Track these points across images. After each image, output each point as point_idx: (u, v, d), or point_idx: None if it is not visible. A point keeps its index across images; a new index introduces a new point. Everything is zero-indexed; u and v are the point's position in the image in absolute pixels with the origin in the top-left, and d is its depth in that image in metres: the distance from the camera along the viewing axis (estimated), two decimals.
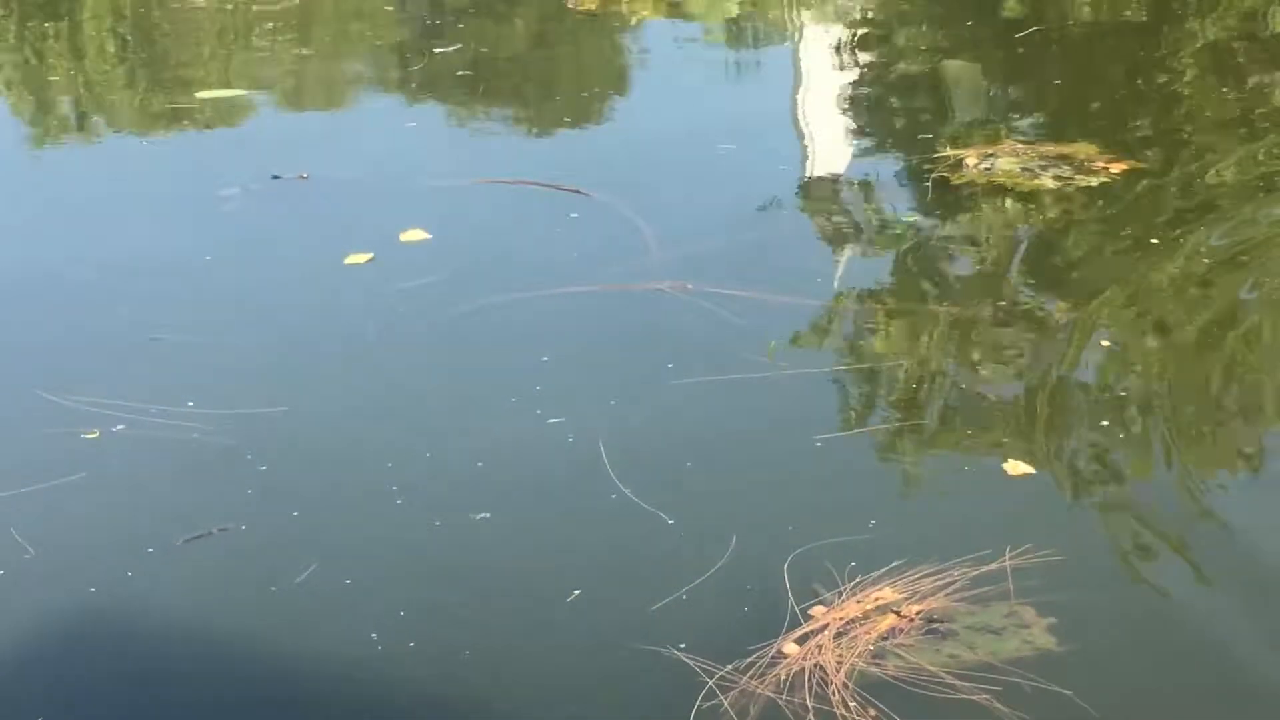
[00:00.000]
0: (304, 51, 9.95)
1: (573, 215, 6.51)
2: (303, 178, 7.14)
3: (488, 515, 4.34)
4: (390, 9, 10.86)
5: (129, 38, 10.33)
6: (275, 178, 7.15)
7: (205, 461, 4.67)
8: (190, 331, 5.54)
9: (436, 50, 9.44)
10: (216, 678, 3.78)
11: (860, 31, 9.76)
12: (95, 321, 5.77)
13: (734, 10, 10.48)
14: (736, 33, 10.15)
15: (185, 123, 8.42)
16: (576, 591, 3.97)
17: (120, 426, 4.82)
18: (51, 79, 9.58)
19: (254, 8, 10.93)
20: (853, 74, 8.80)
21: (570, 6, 10.29)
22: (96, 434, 4.80)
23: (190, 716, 3.68)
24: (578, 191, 6.76)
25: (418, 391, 5.13)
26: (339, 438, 4.85)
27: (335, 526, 4.36)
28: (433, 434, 4.81)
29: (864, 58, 9.20)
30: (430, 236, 6.32)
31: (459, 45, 9.57)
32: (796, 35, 9.84)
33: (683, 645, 3.74)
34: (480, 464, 4.62)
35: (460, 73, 9.09)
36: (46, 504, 4.46)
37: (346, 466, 4.68)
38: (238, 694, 3.73)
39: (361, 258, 6.12)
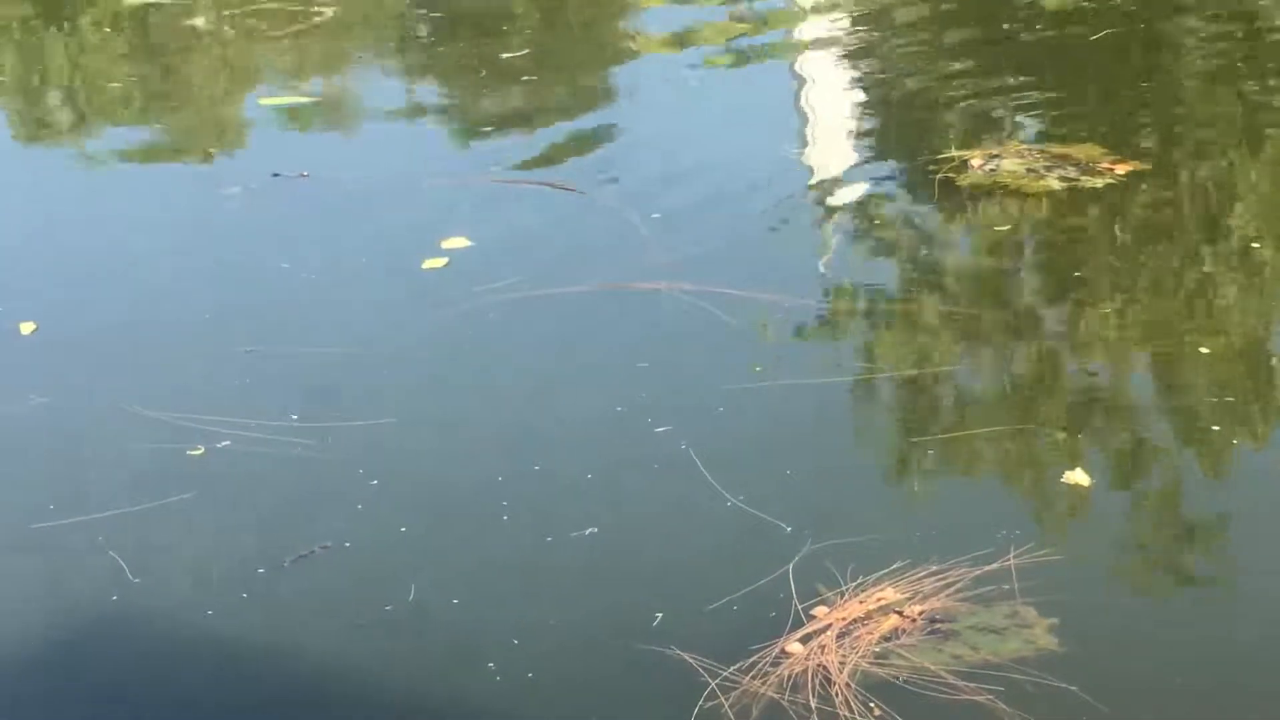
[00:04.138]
0: (360, 55, 9.80)
1: (653, 221, 6.35)
2: (303, 176, 7.08)
3: (595, 530, 4.22)
4: (438, 14, 10.74)
5: (153, 53, 10.25)
6: (275, 175, 7.10)
7: (315, 477, 4.56)
8: (284, 342, 5.43)
9: (503, 56, 9.33)
10: (335, 706, 3.69)
11: (863, 29, 9.69)
12: (183, 333, 5.60)
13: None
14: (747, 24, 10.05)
15: (248, 130, 8.34)
16: (659, 615, 3.86)
17: (225, 443, 4.72)
18: (111, 86, 9.50)
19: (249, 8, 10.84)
20: (857, 75, 8.73)
21: None
22: (202, 450, 4.69)
23: None
24: (575, 190, 6.70)
25: (522, 401, 4.97)
26: (445, 450, 4.73)
27: (443, 543, 4.25)
28: (540, 444, 4.68)
29: (869, 57, 9.12)
30: (471, 243, 6.18)
31: (526, 50, 9.46)
32: (801, 38, 9.75)
33: (686, 646, 3.69)
34: (589, 476, 4.50)
35: (526, 78, 8.98)
36: (159, 523, 4.37)
37: (454, 480, 4.56)
38: None
39: (438, 262, 6.01)
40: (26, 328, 5.62)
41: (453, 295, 5.72)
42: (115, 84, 9.56)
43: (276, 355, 5.35)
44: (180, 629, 3.94)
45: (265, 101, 8.74)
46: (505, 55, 9.36)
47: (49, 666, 3.86)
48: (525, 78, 8.97)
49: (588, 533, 4.20)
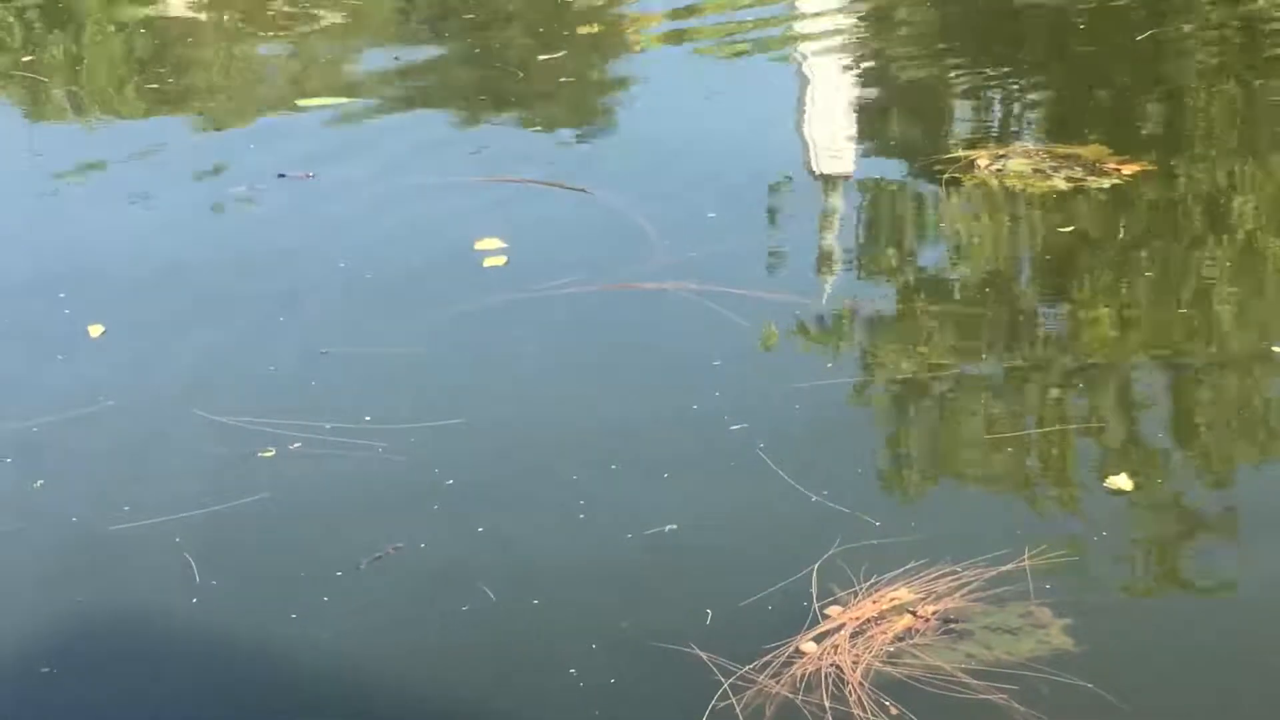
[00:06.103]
0: (396, 56, 9.76)
1: (700, 220, 6.31)
2: (308, 176, 7.07)
3: (675, 527, 4.19)
4: (470, 16, 10.66)
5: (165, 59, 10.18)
6: (281, 176, 7.08)
7: (389, 478, 4.49)
8: (352, 342, 5.37)
9: (541, 57, 9.30)
10: (413, 707, 3.65)
11: (863, 30, 9.64)
12: (249, 333, 5.55)
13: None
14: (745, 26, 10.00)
15: (256, 130, 8.30)
16: (710, 613, 3.85)
17: (297, 444, 4.67)
18: (152, 88, 9.46)
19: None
20: (861, 72, 8.69)
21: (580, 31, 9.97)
22: (273, 452, 4.65)
23: None
24: (583, 190, 6.69)
25: (594, 399, 4.90)
26: (520, 449, 4.64)
27: (521, 542, 4.19)
28: (615, 442, 4.61)
29: (869, 57, 9.06)
30: (506, 245, 6.11)
31: (565, 52, 9.40)
32: (801, 38, 9.68)
33: (701, 644, 3.70)
34: (666, 474, 4.45)
35: (563, 80, 8.91)
36: (234, 525, 4.33)
37: (530, 479, 4.49)
38: None
39: (499, 260, 5.96)
40: (95, 330, 5.64)
41: (513, 293, 5.66)
42: (126, 82, 9.52)
43: (346, 356, 5.29)
44: (261, 632, 3.90)
45: (304, 102, 8.70)
46: (543, 56, 9.34)
47: (126, 667, 3.85)
48: (564, 79, 8.92)
49: (667, 529, 4.17)
